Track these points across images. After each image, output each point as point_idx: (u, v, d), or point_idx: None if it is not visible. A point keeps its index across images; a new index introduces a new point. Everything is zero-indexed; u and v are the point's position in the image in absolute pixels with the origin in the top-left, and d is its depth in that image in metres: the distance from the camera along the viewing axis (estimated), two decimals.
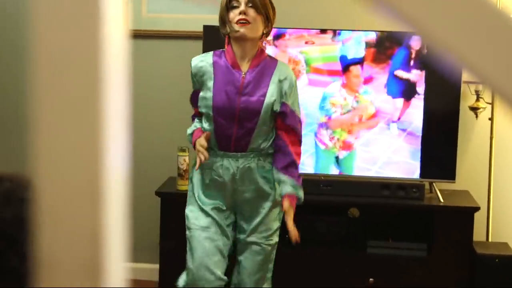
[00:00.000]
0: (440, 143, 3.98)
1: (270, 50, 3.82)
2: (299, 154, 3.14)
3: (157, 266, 4.12)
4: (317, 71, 4.02)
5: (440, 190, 4.03)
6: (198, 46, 4.01)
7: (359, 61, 3.98)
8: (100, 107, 0.56)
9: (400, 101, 3.99)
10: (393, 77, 3.98)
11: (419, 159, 3.99)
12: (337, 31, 4.00)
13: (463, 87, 4.02)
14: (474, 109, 4.07)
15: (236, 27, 3.01)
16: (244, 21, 3.00)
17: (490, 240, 4.13)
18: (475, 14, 0.56)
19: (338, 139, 4.03)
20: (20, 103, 4.27)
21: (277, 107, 3.06)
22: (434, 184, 4.07)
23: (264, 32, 3.09)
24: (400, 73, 3.98)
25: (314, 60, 4.01)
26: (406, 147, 4.00)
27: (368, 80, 4.00)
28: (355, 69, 3.99)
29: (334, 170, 4.06)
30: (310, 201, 3.98)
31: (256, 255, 3.16)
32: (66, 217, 0.57)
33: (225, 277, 3.14)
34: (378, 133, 4.02)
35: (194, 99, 3.16)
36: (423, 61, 3.96)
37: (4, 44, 4.48)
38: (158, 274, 4.08)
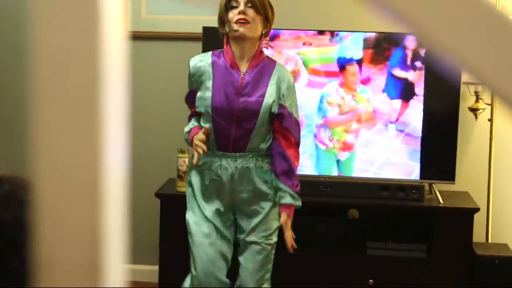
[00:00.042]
0: (439, 144, 3.99)
1: (267, 51, 3.82)
2: (297, 157, 3.15)
3: (156, 267, 4.12)
4: (315, 72, 4.02)
5: (439, 191, 4.03)
6: (198, 47, 4.01)
7: (357, 61, 3.98)
8: (99, 108, 0.56)
9: (398, 102, 4.00)
10: (391, 78, 3.98)
11: (418, 160, 3.99)
12: (335, 32, 4.00)
13: (463, 88, 4.02)
14: (474, 110, 4.08)
15: (235, 26, 3.01)
16: (243, 21, 3.00)
17: (489, 241, 4.13)
18: (474, 15, 0.56)
19: (337, 140, 4.03)
20: (20, 104, 4.27)
21: (274, 109, 3.06)
22: (433, 185, 4.07)
23: (263, 32, 3.09)
24: (398, 74, 3.98)
25: (312, 61, 4.01)
26: (405, 148, 4.00)
27: (366, 81, 4.00)
28: (351, 68, 3.99)
29: (335, 171, 4.07)
30: (309, 202, 3.99)
31: (256, 254, 3.16)
32: (66, 218, 0.57)
33: (228, 280, 3.16)
34: (376, 134, 4.02)
35: (190, 99, 3.15)
36: (422, 62, 3.96)
37: (3, 45, 4.47)
38: (157, 276, 4.08)
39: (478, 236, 4.06)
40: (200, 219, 3.14)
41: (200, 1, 4.34)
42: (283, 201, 3.10)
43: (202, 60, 3.13)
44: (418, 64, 3.97)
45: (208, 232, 3.13)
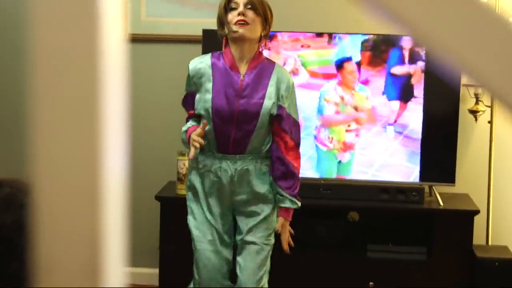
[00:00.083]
0: (439, 146, 3.99)
1: (265, 53, 3.82)
2: (297, 158, 3.15)
3: (157, 270, 4.12)
4: (313, 74, 4.02)
5: (439, 194, 4.03)
6: (198, 50, 4.01)
7: (353, 60, 3.99)
8: (99, 111, 0.56)
9: (398, 103, 4.00)
10: (390, 79, 3.98)
11: (417, 162, 3.99)
12: (333, 34, 4.00)
13: (463, 90, 4.02)
14: (474, 112, 4.08)
15: (235, 27, 3.02)
16: (243, 22, 3.01)
17: (490, 243, 4.12)
18: (474, 18, 0.56)
19: (337, 141, 4.03)
20: (20, 107, 4.27)
21: (274, 110, 3.06)
22: (433, 187, 4.07)
23: (262, 34, 3.09)
24: (397, 76, 3.98)
25: (310, 63, 4.01)
26: (405, 150, 4.00)
27: (364, 83, 4.00)
28: (349, 66, 3.99)
29: (335, 174, 4.07)
30: (309, 205, 3.99)
31: (255, 255, 3.15)
32: (66, 221, 0.57)
33: (230, 282, 3.19)
34: (375, 135, 4.02)
35: (188, 101, 3.15)
36: (421, 64, 3.96)
37: (3, 47, 4.48)
38: (158, 279, 4.08)
39: (478, 238, 4.06)
40: (201, 224, 3.14)
41: (199, 4, 4.35)
42: (281, 205, 3.13)
43: (202, 62, 3.13)
44: (417, 66, 3.97)
45: (211, 238, 3.14)
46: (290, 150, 3.12)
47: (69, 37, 0.56)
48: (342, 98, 4.00)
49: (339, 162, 4.05)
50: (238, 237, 3.18)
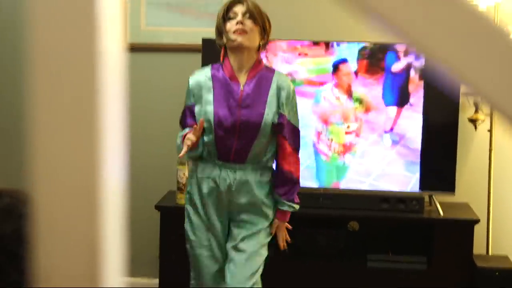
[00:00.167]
0: (439, 155, 3.98)
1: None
2: (296, 163, 3.17)
3: (156, 280, 4.12)
4: (311, 83, 4.02)
5: (439, 203, 4.03)
6: (197, 59, 4.02)
7: (351, 68, 3.99)
8: (98, 120, 0.56)
9: (397, 111, 4.00)
10: (387, 87, 3.99)
11: (417, 171, 3.99)
12: (330, 43, 4.00)
13: (462, 98, 4.02)
14: (473, 121, 4.08)
15: (233, 36, 3.03)
16: (241, 31, 3.02)
17: (490, 253, 4.12)
18: (472, 29, 0.56)
19: (338, 144, 4.02)
20: (19, 118, 4.28)
21: (275, 119, 3.07)
22: (433, 196, 4.07)
23: (261, 43, 3.10)
24: (394, 84, 3.99)
25: (307, 72, 4.02)
26: (404, 159, 4.00)
27: (362, 89, 4.01)
28: (345, 67, 3.99)
29: (335, 183, 4.06)
30: (309, 214, 3.99)
31: (246, 263, 3.13)
32: (65, 231, 0.57)
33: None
34: (373, 144, 4.02)
35: (187, 114, 3.14)
36: (420, 73, 3.97)
37: (3, 58, 4.48)
38: None
39: (478, 247, 4.05)
40: (197, 229, 3.15)
41: (199, 13, 4.36)
42: (279, 207, 3.18)
43: (201, 74, 3.14)
44: (416, 74, 3.98)
45: (206, 244, 3.15)
46: (288, 156, 3.13)
47: (68, 47, 0.56)
48: (338, 98, 4.00)
49: (338, 166, 4.04)
50: (230, 244, 3.17)
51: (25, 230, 1.18)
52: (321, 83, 4.02)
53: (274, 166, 3.22)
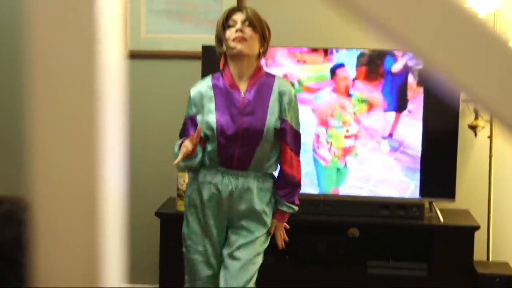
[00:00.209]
0: (439, 161, 3.98)
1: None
2: (297, 167, 3.19)
3: (156, 286, 4.11)
4: (309, 90, 4.03)
5: (440, 209, 4.03)
6: (197, 66, 4.02)
7: (350, 75, 4.00)
8: (98, 127, 0.56)
9: (396, 118, 4.00)
10: (386, 93, 3.99)
11: (417, 177, 3.99)
12: (329, 50, 4.01)
13: (462, 105, 4.02)
14: (473, 128, 4.08)
15: (233, 44, 3.04)
16: (241, 38, 3.03)
17: (490, 259, 4.12)
18: (471, 37, 0.56)
19: (337, 148, 4.02)
20: (19, 125, 4.28)
21: (277, 125, 3.08)
22: (433, 203, 4.07)
23: (261, 51, 3.11)
24: (393, 90, 3.99)
25: (306, 79, 4.02)
26: (404, 165, 4.00)
27: (359, 95, 4.01)
28: (342, 72, 3.99)
29: (335, 190, 4.06)
30: (309, 221, 3.98)
31: (240, 271, 3.13)
32: (64, 237, 0.57)
33: None
34: (373, 150, 4.02)
35: (189, 125, 3.15)
36: (420, 79, 3.97)
37: (3, 65, 4.49)
38: None
39: (479, 254, 4.05)
40: (193, 233, 3.17)
41: (199, 20, 4.36)
42: (278, 207, 3.20)
43: (202, 84, 3.16)
44: (416, 81, 3.98)
45: (201, 249, 3.18)
46: (290, 160, 3.16)
47: (68, 54, 0.56)
48: (336, 102, 4.01)
49: (338, 170, 4.04)
50: (226, 251, 3.17)
51: (25, 237, 1.18)
52: (320, 89, 4.02)
53: (275, 173, 3.23)
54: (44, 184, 0.57)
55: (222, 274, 3.15)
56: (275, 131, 3.09)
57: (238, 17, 3.07)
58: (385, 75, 3.98)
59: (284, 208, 3.19)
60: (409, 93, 3.98)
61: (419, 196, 4.00)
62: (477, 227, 3.92)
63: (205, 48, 3.96)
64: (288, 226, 3.27)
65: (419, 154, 3.98)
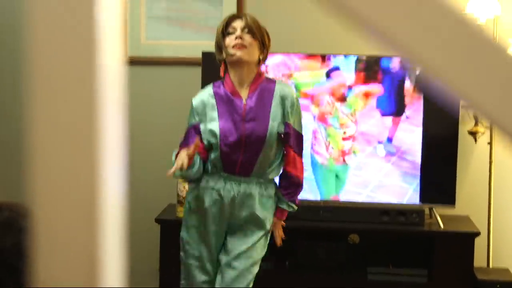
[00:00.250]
0: (439, 168, 3.98)
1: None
2: (300, 168, 3.21)
3: None
4: (307, 96, 4.03)
5: (440, 215, 4.02)
6: (197, 72, 4.03)
7: (347, 81, 4.00)
8: (97, 133, 0.56)
9: (394, 123, 4.00)
10: (383, 99, 3.99)
11: (417, 183, 3.99)
12: (326, 56, 4.01)
13: (462, 111, 4.02)
14: (473, 134, 4.08)
15: (232, 51, 3.05)
16: (240, 45, 3.04)
17: (491, 265, 4.11)
18: (470, 44, 0.56)
19: (335, 150, 4.02)
20: (19, 132, 4.28)
21: (281, 129, 3.10)
22: (434, 209, 4.06)
23: (260, 57, 3.12)
24: (394, 97, 3.99)
25: (303, 85, 4.02)
26: (404, 171, 4.00)
27: (357, 101, 4.02)
28: (337, 74, 4.00)
29: (335, 196, 4.05)
30: (309, 227, 3.98)
31: (237, 281, 3.15)
32: (64, 244, 0.57)
33: None
34: (371, 156, 4.02)
35: (192, 133, 3.15)
36: (419, 86, 3.97)
37: (2, 72, 4.49)
38: None
39: (479, 260, 4.04)
40: (191, 238, 3.19)
41: (199, 27, 4.37)
42: (279, 205, 3.22)
43: (204, 93, 3.17)
44: (415, 87, 3.98)
45: (198, 255, 3.19)
46: (292, 161, 3.18)
47: (67, 61, 0.56)
48: (333, 105, 4.01)
49: (337, 176, 4.04)
50: (223, 257, 3.17)
51: (25, 244, 1.18)
52: (318, 93, 4.03)
53: (276, 179, 3.24)
54: (44, 190, 0.57)
55: (218, 280, 3.17)
56: (279, 136, 3.10)
57: (238, 24, 3.08)
58: (382, 81, 3.98)
59: (285, 206, 3.21)
60: (407, 99, 3.99)
61: (419, 202, 4.00)
62: (477, 233, 3.92)
63: (205, 55, 3.96)
64: (284, 224, 3.28)
65: (419, 160, 3.98)
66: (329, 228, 4.04)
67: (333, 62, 4.00)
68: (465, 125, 4.10)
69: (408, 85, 3.99)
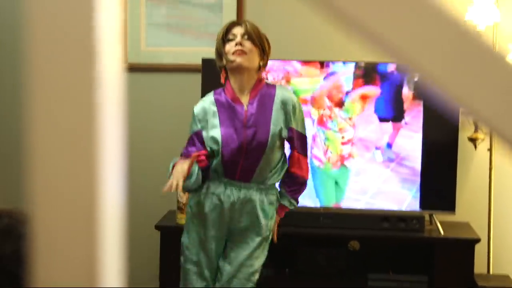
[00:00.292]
0: (439, 174, 3.98)
1: None
2: (306, 168, 3.23)
3: None
4: (305, 102, 4.03)
5: (440, 222, 4.02)
6: (197, 79, 4.03)
7: (346, 87, 4.00)
8: (96, 140, 0.56)
9: (394, 129, 4.00)
10: (381, 105, 3.99)
11: (417, 190, 3.98)
12: (325, 62, 4.01)
13: (462, 118, 4.02)
14: (473, 140, 4.08)
15: (232, 57, 3.06)
16: (240, 52, 3.05)
17: (491, 272, 4.10)
18: (469, 51, 0.56)
19: (334, 154, 4.02)
20: (18, 139, 4.28)
21: (284, 134, 3.11)
22: (434, 215, 4.06)
23: (261, 64, 3.13)
24: (389, 102, 3.99)
25: (302, 91, 4.02)
26: (404, 178, 4.00)
27: (356, 107, 4.02)
28: (335, 79, 4.00)
29: (335, 204, 4.05)
30: (310, 234, 3.98)
31: None
32: (64, 251, 0.57)
33: None
34: (370, 162, 4.02)
35: (194, 141, 3.15)
36: (419, 91, 3.98)
37: (2, 77, 4.49)
38: None
39: (479, 267, 4.04)
40: (191, 244, 3.19)
41: (199, 33, 4.37)
42: (281, 201, 3.23)
43: (205, 101, 3.19)
44: (412, 93, 3.98)
45: (196, 260, 3.19)
46: (297, 162, 3.20)
47: (67, 67, 0.56)
48: (331, 109, 4.01)
49: (336, 183, 4.04)
50: (226, 266, 3.17)
51: (25, 251, 1.18)
52: (316, 99, 4.03)
53: (277, 185, 3.25)
54: (43, 197, 0.57)
55: (216, 286, 3.19)
56: (282, 140, 3.11)
57: (238, 31, 3.09)
58: (381, 87, 3.98)
59: (286, 203, 3.21)
60: (406, 105, 3.99)
61: (419, 209, 4.00)
62: (477, 240, 3.91)
63: (205, 61, 3.96)
64: (279, 221, 3.29)
65: (419, 166, 3.98)
66: (329, 235, 4.04)
67: (332, 68, 4.00)
68: (465, 132, 4.10)
69: (407, 91, 3.99)
